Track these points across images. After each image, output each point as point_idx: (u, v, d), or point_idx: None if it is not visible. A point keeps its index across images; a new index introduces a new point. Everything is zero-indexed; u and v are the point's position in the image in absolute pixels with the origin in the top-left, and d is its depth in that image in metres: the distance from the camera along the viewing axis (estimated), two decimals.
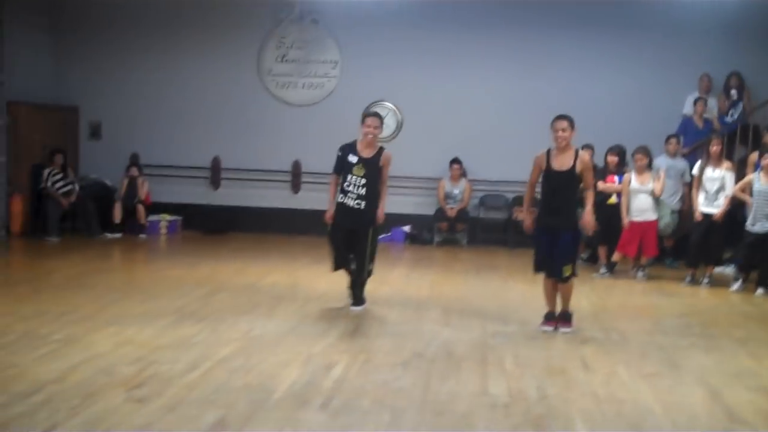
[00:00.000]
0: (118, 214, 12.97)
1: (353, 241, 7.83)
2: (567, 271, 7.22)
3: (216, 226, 13.72)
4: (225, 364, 5.86)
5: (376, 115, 7.97)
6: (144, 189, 13.30)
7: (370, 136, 7.72)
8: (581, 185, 7.27)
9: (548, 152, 7.25)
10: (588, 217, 7.31)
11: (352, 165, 7.71)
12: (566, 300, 7.37)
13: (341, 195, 7.78)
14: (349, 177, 7.71)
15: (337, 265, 7.99)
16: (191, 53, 14.03)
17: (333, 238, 7.90)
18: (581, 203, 7.39)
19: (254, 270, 10.15)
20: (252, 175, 13.96)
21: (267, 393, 5.24)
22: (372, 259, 7.90)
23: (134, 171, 13.33)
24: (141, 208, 13.10)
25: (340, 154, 7.83)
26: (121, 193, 13.21)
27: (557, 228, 7.16)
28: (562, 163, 7.17)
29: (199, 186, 14.16)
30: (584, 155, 7.32)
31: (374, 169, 7.73)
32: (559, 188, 7.18)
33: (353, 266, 7.88)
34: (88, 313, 7.34)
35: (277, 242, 12.86)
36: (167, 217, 13.54)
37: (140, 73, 14.10)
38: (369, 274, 7.96)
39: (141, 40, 14.06)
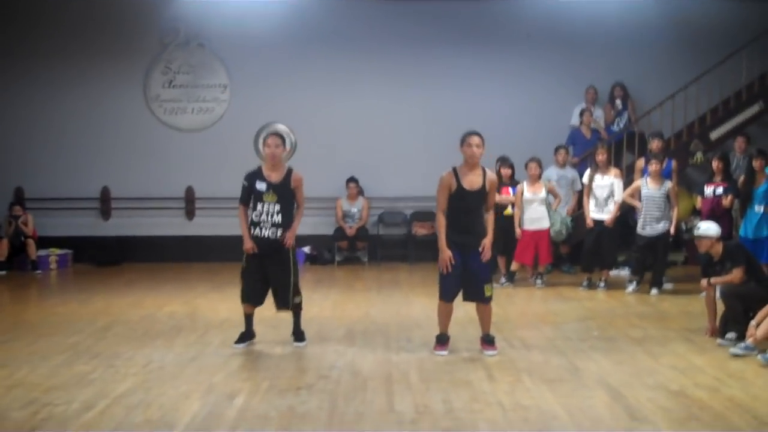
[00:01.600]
0: (3, 252, 12.44)
1: (273, 272, 7.26)
2: (488, 291, 6.95)
3: (108, 257, 13.30)
4: (123, 401, 5.65)
5: (276, 133, 7.50)
6: (30, 225, 12.80)
7: (272, 157, 7.18)
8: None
9: (455, 171, 6.94)
10: (488, 245, 6.89)
11: (261, 192, 7.16)
12: (488, 323, 7.08)
13: (253, 227, 7.20)
14: (259, 206, 7.17)
15: (247, 298, 7.34)
16: (76, 81, 13.60)
17: (247, 269, 7.31)
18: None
19: (151, 301, 9.85)
20: (144, 204, 13.62)
21: (168, 427, 5.08)
22: (297, 290, 7.33)
23: (17, 210, 12.80)
24: (31, 243, 12.62)
25: (245, 183, 7.26)
26: (7, 231, 12.67)
27: (469, 246, 6.87)
28: (472, 182, 6.88)
29: (89, 217, 13.72)
30: (492, 175, 7.10)
31: (287, 193, 7.21)
32: (471, 208, 6.91)
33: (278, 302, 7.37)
34: None
35: (173, 271, 12.53)
36: (56, 251, 13.06)
37: (23, 103, 13.59)
38: (298, 306, 7.39)
39: (22, 70, 13.55)
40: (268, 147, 7.17)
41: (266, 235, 7.17)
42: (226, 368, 6.55)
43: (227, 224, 13.55)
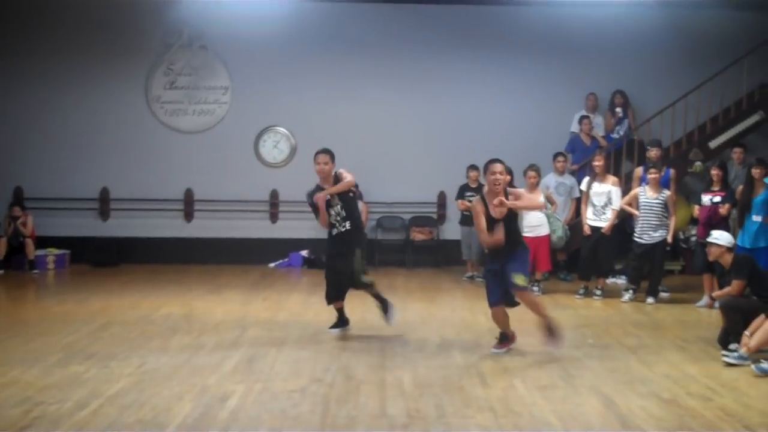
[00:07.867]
0: (1, 251, 12.45)
1: (340, 264, 7.97)
2: (517, 279, 7.04)
3: (106, 258, 13.28)
4: (116, 401, 5.67)
5: (325, 151, 8.04)
6: (29, 225, 12.78)
7: (321, 173, 7.95)
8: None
9: (483, 199, 7.15)
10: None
11: (329, 200, 7.92)
12: (538, 311, 7.28)
13: (331, 227, 8.03)
14: (331, 211, 7.95)
15: (330, 298, 8.13)
16: (76, 81, 13.61)
17: (327, 270, 8.16)
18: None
19: (147, 302, 9.86)
20: (143, 205, 13.62)
21: (160, 428, 5.10)
22: (364, 271, 8.02)
23: (16, 210, 12.77)
24: (29, 243, 12.60)
25: (310, 201, 7.98)
26: (6, 231, 12.67)
27: (505, 255, 7.11)
28: (500, 211, 7.04)
29: (88, 218, 13.71)
30: (513, 190, 7.34)
31: (344, 195, 7.99)
32: (504, 233, 7.09)
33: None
34: None
35: (170, 273, 12.51)
36: (54, 251, 13.04)
37: (23, 102, 13.59)
38: (370, 285, 8.06)
39: (23, 69, 13.56)
40: (318, 164, 7.94)
41: (339, 229, 7.99)
42: (219, 370, 6.57)
43: (226, 227, 13.68)
